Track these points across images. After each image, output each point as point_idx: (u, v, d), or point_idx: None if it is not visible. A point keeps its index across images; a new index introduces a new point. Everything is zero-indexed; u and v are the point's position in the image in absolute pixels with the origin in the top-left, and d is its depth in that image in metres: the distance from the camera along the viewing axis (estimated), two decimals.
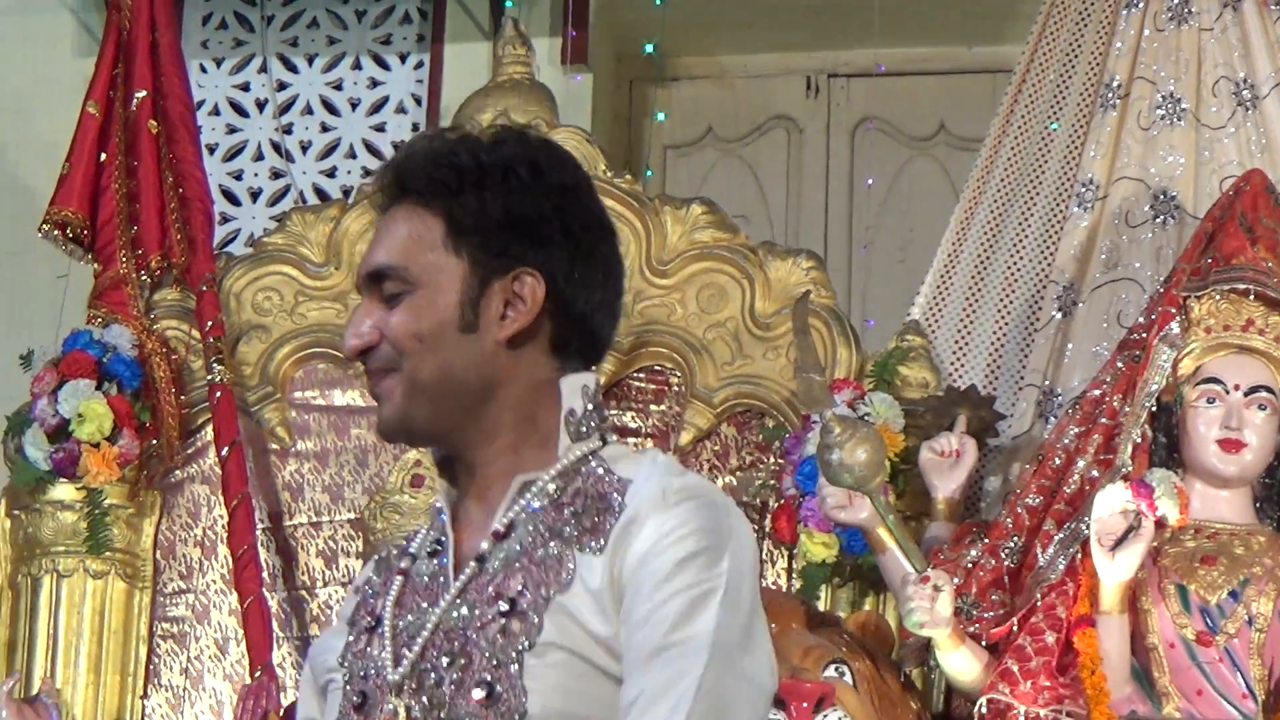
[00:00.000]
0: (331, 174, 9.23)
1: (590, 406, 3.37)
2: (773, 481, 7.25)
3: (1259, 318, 6.57)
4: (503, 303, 3.29)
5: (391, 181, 3.34)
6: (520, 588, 3.24)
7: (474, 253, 3.30)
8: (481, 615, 3.25)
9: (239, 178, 9.30)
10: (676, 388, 7.47)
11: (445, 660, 3.25)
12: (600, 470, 3.31)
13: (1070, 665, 6.44)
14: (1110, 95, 7.46)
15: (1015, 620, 6.51)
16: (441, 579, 3.32)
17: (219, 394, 7.47)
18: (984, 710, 6.47)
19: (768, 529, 7.24)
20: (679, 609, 3.19)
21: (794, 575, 7.05)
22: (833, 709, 6.28)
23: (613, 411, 7.43)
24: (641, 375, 7.54)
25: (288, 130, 9.38)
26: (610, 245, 3.38)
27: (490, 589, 3.26)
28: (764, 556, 7.27)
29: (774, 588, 7.04)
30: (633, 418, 7.63)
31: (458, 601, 3.27)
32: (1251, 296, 6.57)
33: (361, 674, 3.35)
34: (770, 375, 7.36)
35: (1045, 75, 7.62)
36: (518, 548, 3.28)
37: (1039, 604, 6.50)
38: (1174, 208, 7.26)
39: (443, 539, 3.36)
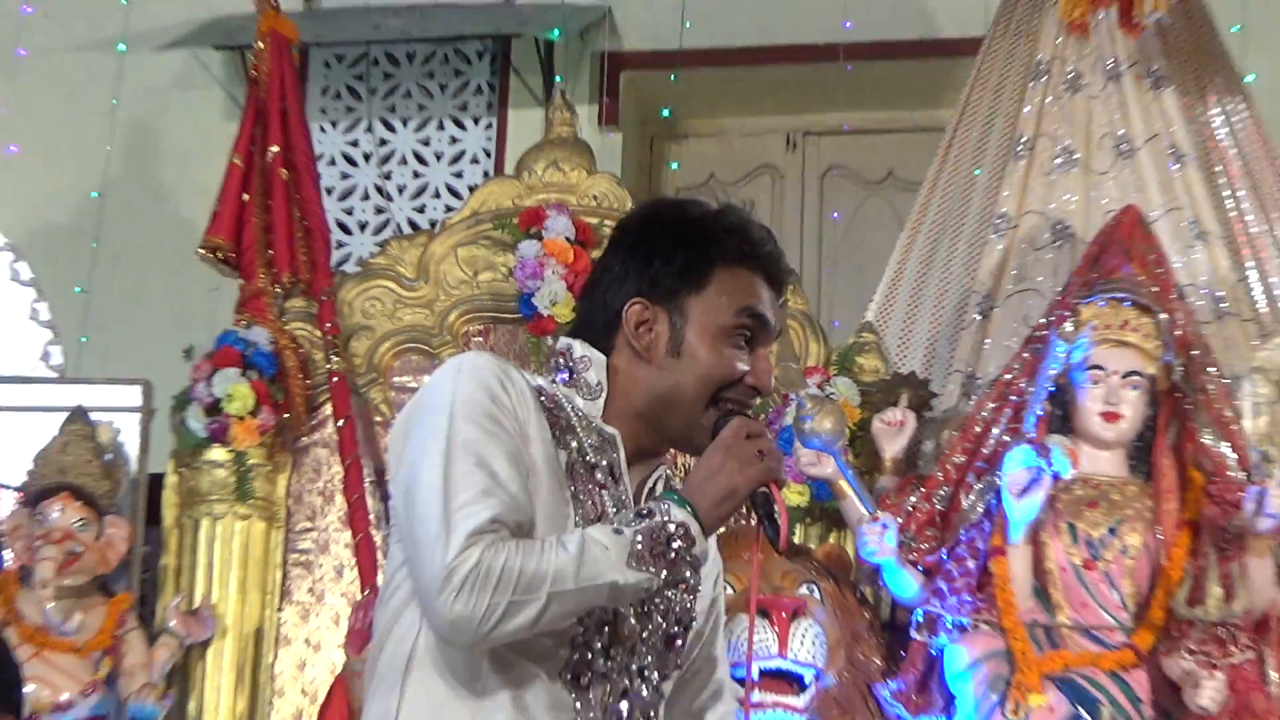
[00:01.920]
0: (421, 210, 9.25)
1: None
2: None
3: (1133, 319, 6.59)
4: None
5: (782, 270, 3.41)
6: None
7: None
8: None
9: (350, 213, 9.32)
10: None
11: (658, 604, 3.28)
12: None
13: (986, 585, 6.46)
14: (1020, 148, 7.49)
15: (944, 551, 6.59)
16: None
17: (335, 379, 7.48)
18: (919, 619, 6.55)
19: None
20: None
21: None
22: (806, 617, 6.30)
23: None
24: None
25: (387, 176, 9.39)
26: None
27: None
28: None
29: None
30: None
31: None
32: (1127, 303, 6.60)
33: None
34: None
35: (970, 133, 7.66)
36: None
37: (962, 538, 6.57)
38: (1068, 235, 7.30)
39: (618, 469, 3.28)
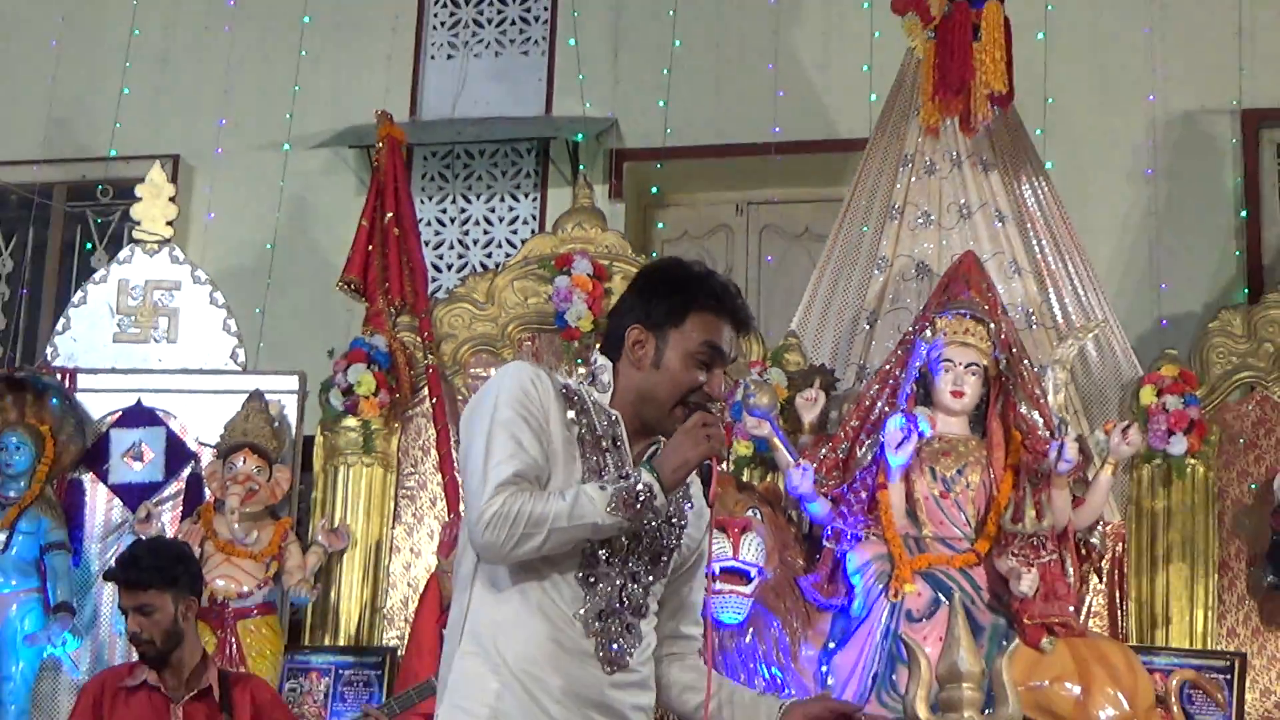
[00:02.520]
0: (489, 256, 9.20)
1: None
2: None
3: (972, 328, 6.54)
4: None
5: (745, 317, 3.37)
6: (671, 508, 3.30)
7: None
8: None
9: (440, 258, 9.27)
10: None
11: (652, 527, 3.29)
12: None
13: (874, 509, 6.45)
14: (894, 212, 7.39)
15: (845, 486, 6.52)
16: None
17: (430, 370, 7.43)
18: (829, 532, 6.51)
19: None
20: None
21: (730, 464, 7.03)
22: (751, 531, 6.26)
23: None
24: None
25: (466, 233, 9.36)
26: None
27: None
28: None
29: (720, 470, 7.02)
30: None
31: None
32: (968, 317, 6.55)
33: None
34: None
35: (860, 202, 7.55)
36: None
37: (857, 478, 6.51)
38: (927, 271, 7.21)
39: (620, 439, 3.30)
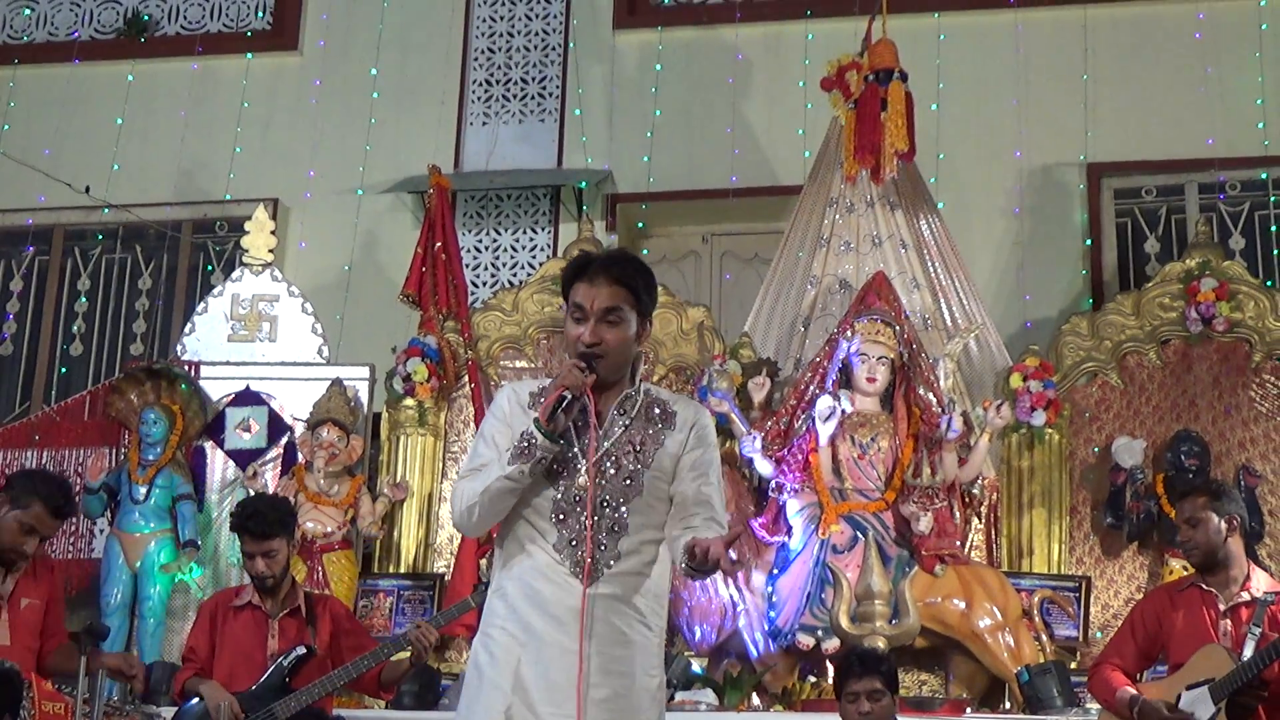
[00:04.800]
0: (514, 275, 9.12)
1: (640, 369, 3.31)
2: (690, 395, 7.20)
3: (882, 330, 6.54)
4: (641, 334, 3.18)
5: (617, 277, 3.14)
6: (642, 441, 3.13)
7: (640, 313, 3.17)
8: (623, 447, 3.12)
9: (478, 277, 9.19)
10: (650, 361, 7.36)
11: (608, 463, 3.11)
12: (653, 392, 3.23)
13: (807, 468, 6.41)
14: (822, 241, 7.36)
15: (785, 450, 6.49)
16: (588, 425, 3.12)
17: (470, 363, 7.36)
18: (773, 485, 6.48)
19: None
20: (709, 455, 3.18)
21: None
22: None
23: None
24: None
25: (496, 258, 9.29)
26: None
27: (624, 436, 3.13)
28: None
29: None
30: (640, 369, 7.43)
31: (611, 441, 3.12)
32: (879, 321, 6.54)
33: (560, 458, 3.10)
34: (688, 355, 7.31)
35: (796, 234, 7.52)
36: (633, 422, 3.15)
37: (795, 444, 6.48)
38: (848, 286, 7.17)
39: (584, 405, 3.11)
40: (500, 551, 3.20)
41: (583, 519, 3.07)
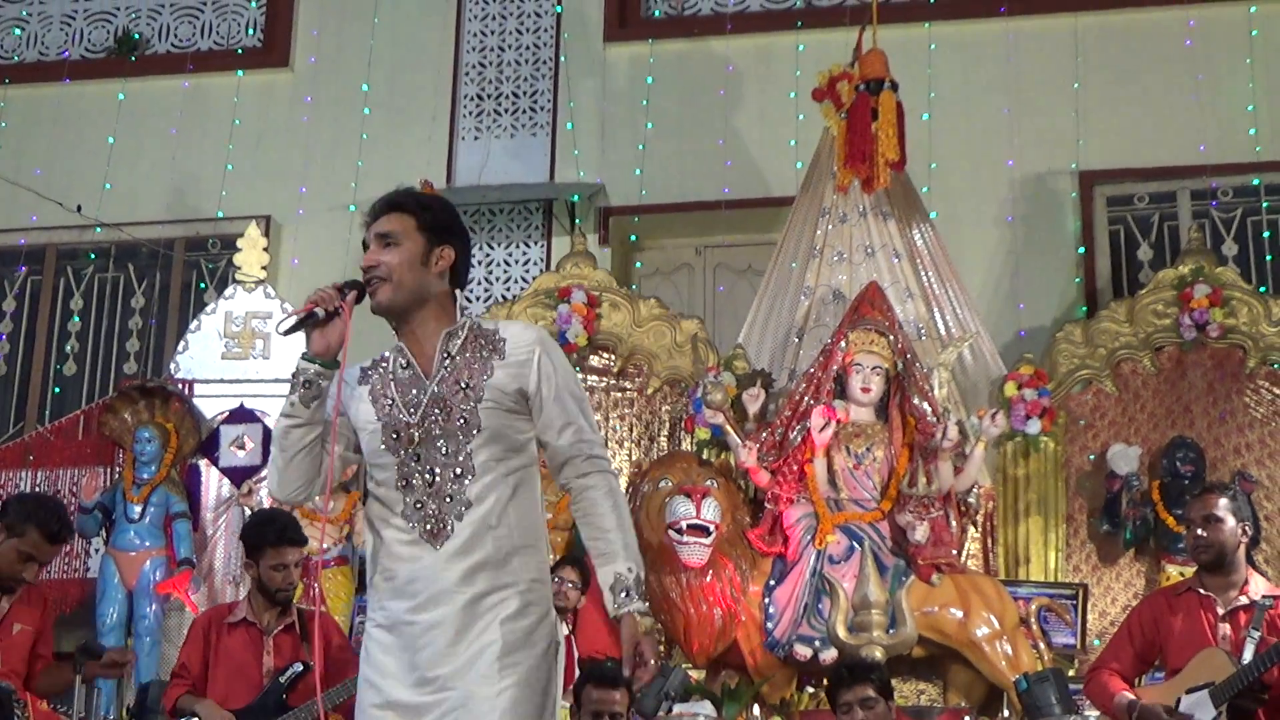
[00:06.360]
0: (508, 289, 9.10)
1: (460, 303, 3.07)
2: (684, 408, 7.20)
3: (876, 339, 6.54)
4: (437, 258, 2.96)
5: (389, 203, 3.01)
6: (469, 376, 2.93)
7: (427, 235, 2.97)
8: (451, 389, 2.92)
9: (471, 292, 9.15)
10: (645, 373, 7.38)
11: (437, 411, 2.90)
12: (478, 324, 3.02)
13: (803, 478, 6.42)
14: (815, 251, 7.35)
15: (781, 461, 6.48)
16: (415, 376, 2.95)
17: None
18: (769, 496, 6.46)
19: (683, 427, 7.20)
20: (563, 380, 2.98)
21: (693, 445, 6.99)
22: (710, 496, 6.23)
23: (627, 383, 7.40)
24: (632, 369, 7.44)
25: (490, 272, 9.26)
26: (468, 245, 3.08)
27: (452, 377, 2.93)
28: (679, 439, 7.21)
29: (685, 450, 6.99)
30: (635, 382, 7.39)
31: (437, 386, 2.93)
32: (873, 331, 6.54)
33: (393, 423, 2.92)
34: (682, 367, 7.32)
35: (789, 245, 7.52)
36: (459, 359, 2.94)
37: (790, 454, 6.47)
38: (841, 297, 7.17)
39: (407, 359, 2.96)
40: (367, 546, 3.02)
41: (425, 477, 2.88)
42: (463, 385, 2.93)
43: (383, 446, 2.93)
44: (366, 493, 3.02)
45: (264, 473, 7.43)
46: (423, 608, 2.85)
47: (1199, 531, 4.53)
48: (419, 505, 2.88)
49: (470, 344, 2.98)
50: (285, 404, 2.93)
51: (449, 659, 2.83)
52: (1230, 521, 4.52)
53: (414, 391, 2.95)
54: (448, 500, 2.87)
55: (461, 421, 2.91)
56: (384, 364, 3.02)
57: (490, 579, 2.87)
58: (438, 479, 2.89)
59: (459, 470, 2.89)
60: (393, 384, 2.96)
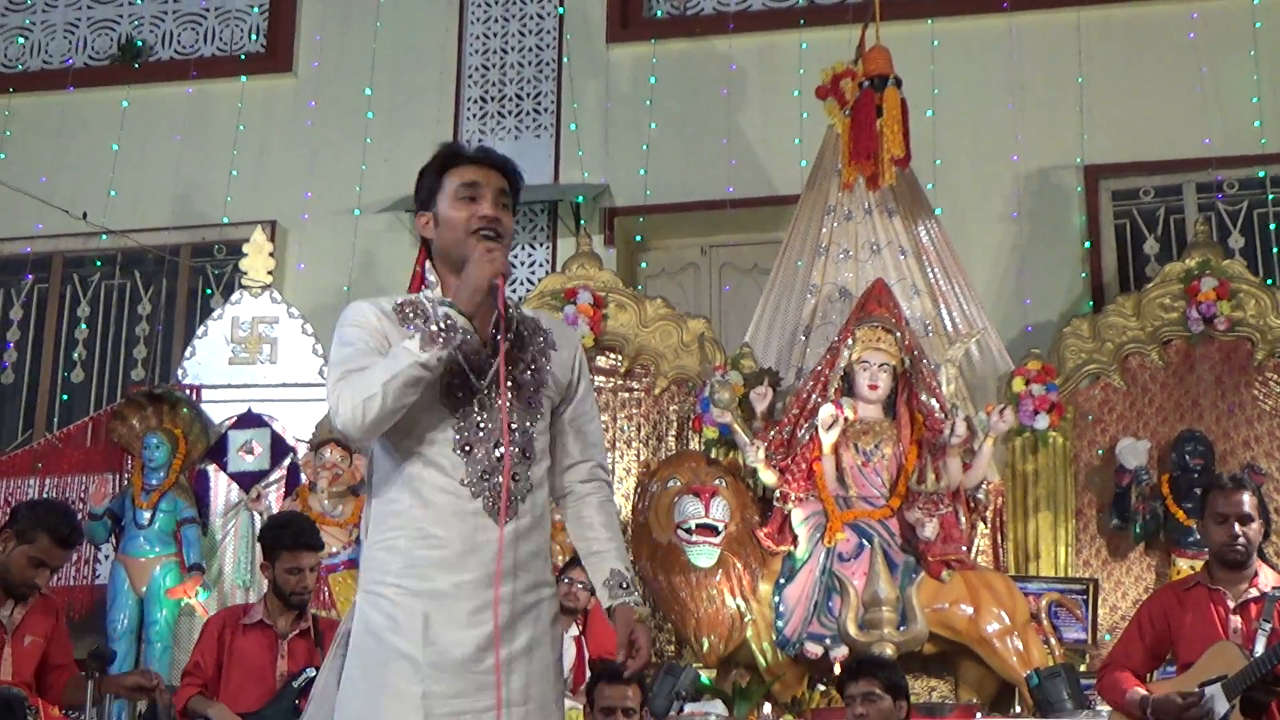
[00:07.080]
0: (514, 291, 9.10)
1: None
2: (691, 407, 7.20)
3: (883, 336, 6.54)
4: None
5: (508, 163, 2.88)
6: (532, 360, 2.82)
7: (513, 205, 2.84)
8: (519, 368, 2.79)
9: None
10: (652, 373, 7.39)
11: (510, 384, 2.74)
12: (521, 308, 2.92)
13: (812, 476, 6.42)
14: (821, 249, 7.35)
15: (789, 459, 6.48)
16: (474, 341, 2.72)
17: None
18: (777, 495, 6.47)
19: (691, 426, 7.21)
20: (590, 387, 2.96)
21: (701, 444, 7.00)
22: (719, 495, 6.25)
23: (634, 384, 7.40)
24: (639, 369, 7.45)
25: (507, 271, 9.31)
26: None
27: (519, 356, 2.80)
28: (687, 439, 7.19)
29: (693, 449, 7.00)
30: (642, 382, 7.37)
31: (506, 360, 2.75)
32: (879, 328, 6.55)
33: (455, 382, 2.73)
34: (689, 367, 7.32)
35: (794, 243, 7.53)
36: (525, 336, 2.85)
37: (798, 452, 6.47)
38: (847, 294, 7.17)
39: (461, 320, 2.69)
40: (376, 501, 2.81)
41: (490, 447, 2.70)
42: (528, 365, 2.83)
43: (441, 403, 2.74)
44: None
45: (273, 476, 7.46)
46: (482, 583, 2.70)
47: (1236, 528, 4.44)
48: (484, 475, 2.71)
49: (519, 326, 2.86)
50: (430, 356, 2.63)
51: (520, 665, 2.71)
52: (1258, 520, 4.51)
53: (475, 356, 2.77)
54: (515, 479, 2.73)
55: (528, 403, 2.80)
56: (425, 313, 2.80)
57: (538, 572, 2.79)
58: (503, 454, 2.72)
59: (526, 451, 2.77)
60: (448, 337, 2.69)
